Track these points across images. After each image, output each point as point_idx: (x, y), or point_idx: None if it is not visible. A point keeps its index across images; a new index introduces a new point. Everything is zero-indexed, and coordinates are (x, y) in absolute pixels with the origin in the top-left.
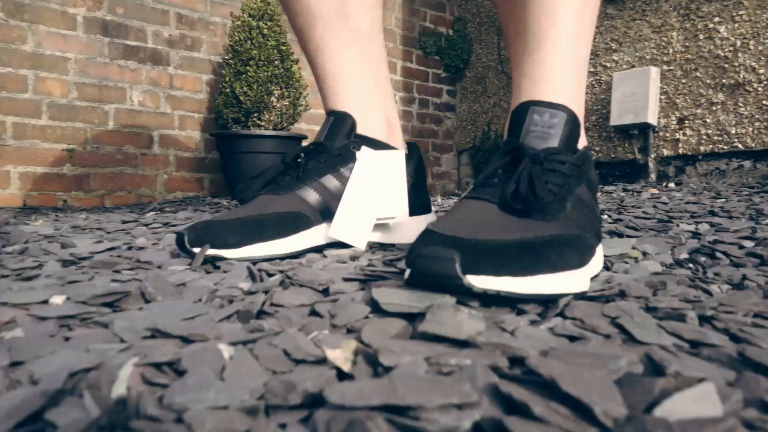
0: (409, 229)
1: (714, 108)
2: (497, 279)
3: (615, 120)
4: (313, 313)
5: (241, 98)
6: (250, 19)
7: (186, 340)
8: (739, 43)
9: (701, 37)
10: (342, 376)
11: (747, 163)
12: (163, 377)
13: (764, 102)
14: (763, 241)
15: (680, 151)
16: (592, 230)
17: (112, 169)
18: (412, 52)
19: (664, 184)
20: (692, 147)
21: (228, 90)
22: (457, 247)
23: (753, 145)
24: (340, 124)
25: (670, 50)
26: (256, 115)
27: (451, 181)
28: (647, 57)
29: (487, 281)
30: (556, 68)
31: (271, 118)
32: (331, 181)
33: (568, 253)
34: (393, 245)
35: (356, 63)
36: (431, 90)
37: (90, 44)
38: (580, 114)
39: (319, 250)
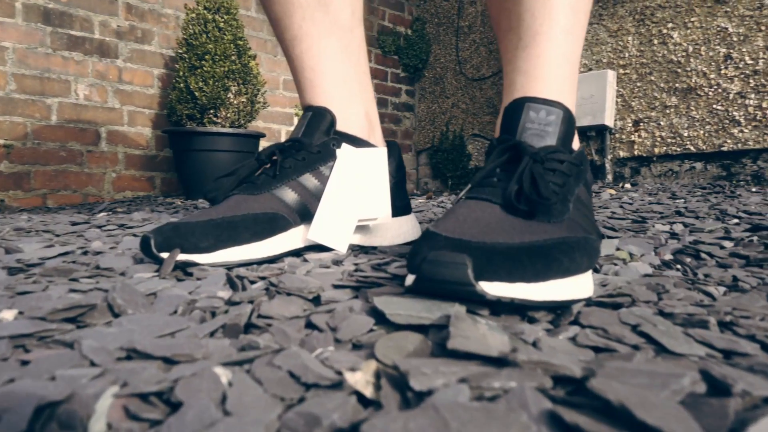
0: (390, 230)
1: (668, 111)
2: (511, 286)
3: None
4: (310, 325)
5: (197, 94)
6: (205, 11)
7: (169, 361)
8: (691, 48)
9: (656, 42)
10: (364, 402)
11: (698, 165)
12: (152, 411)
13: (714, 106)
14: (740, 241)
15: (636, 152)
16: (595, 231)
17: (55, 167)
18: (371, 50)
19: (620, 185)
20: (647, 149)
21: (182, 85)
22: (468, 251)
23: (704, 147)
24: (318, 119)
25: (626, 54)
26: (212, 111)
27: (410, 181)
28: (604, 60)
29: (500, 288)
30: (551, 64)
31: (228, 115)
32: (309, 180)
33: (579, 256)
34: (374, 248)
35: (336, 55)
36: (390, 89)
37: (30, 33)
38: (574, 111)
39: (296, 253)
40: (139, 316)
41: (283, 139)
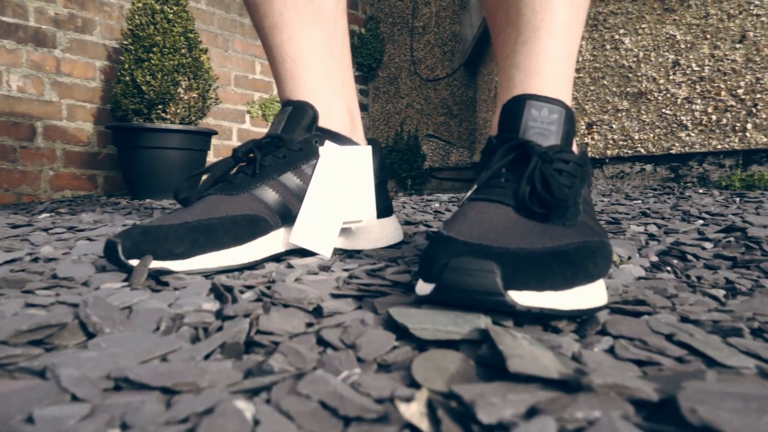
0: (373, 233)
1: (619, 114)
2: (539, 294)
3: None
4: (323, 342)
5: (144, 88)
6: (153, 2)
7: (169, 392)
8: (641, 54)
9: (608, 47)
10: None
11: (648, 167)
12: None
13: (663, 110)
14: (718, 242)
15: (589, 154)
16: (604, 234)
17: None
18: None
19: None
20: (600, 151)
21: (128, 78)
22: (494, 257)
23: (654, 150)
24: (299, 114)
25: (580, 58)
26: (160, 107)
27: None
28: None
29: (531, 298)
30: (552, 60)
31: (178, 110)
32: (291, 180)
33: (600, 261)
34: (359, 252)
35: (319, 46)
36: None
37: None
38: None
39: (277, 258)
40: (119, 335)
41: (234, 138)
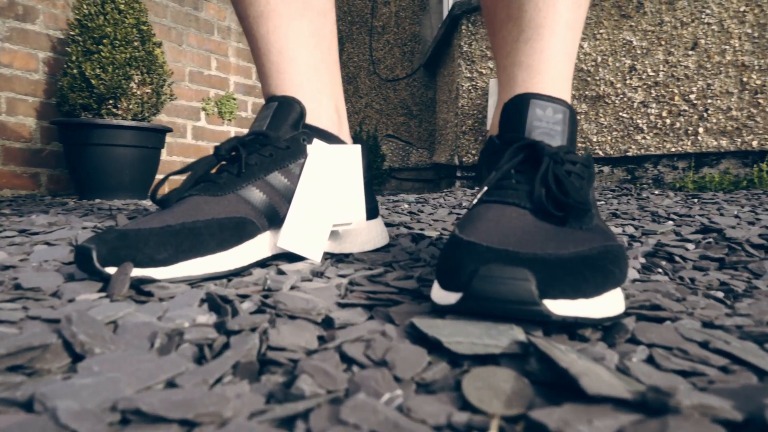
0: (361, 235)
1: (578, 117)
2: (573, 303)
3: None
4: (347, 359)
5: (93, 82)
6: None
7: (189, 424)
8: (599, 59)
9: None
10: None
11: (606, 169)
12: None
13: (620, 114)
14: (699, 243)
15: None
16: (615, 237)
17: None
18: None
19: None
20: None
21: (75, 71)
22: (524, 264)
23: (611, 152)
24: (286, 110)
25: None
26: (111, 102)
27: None
28: None
29: (565, 306)
30: (554, 59)
31: (130, 106)
32: (278, 179)
33: (624, 266)
34: (347, 255)
35: (306, 38)
36: None
37: None
38: None
39: (262, 263)
40: (112, 355)
41: (188, 136)
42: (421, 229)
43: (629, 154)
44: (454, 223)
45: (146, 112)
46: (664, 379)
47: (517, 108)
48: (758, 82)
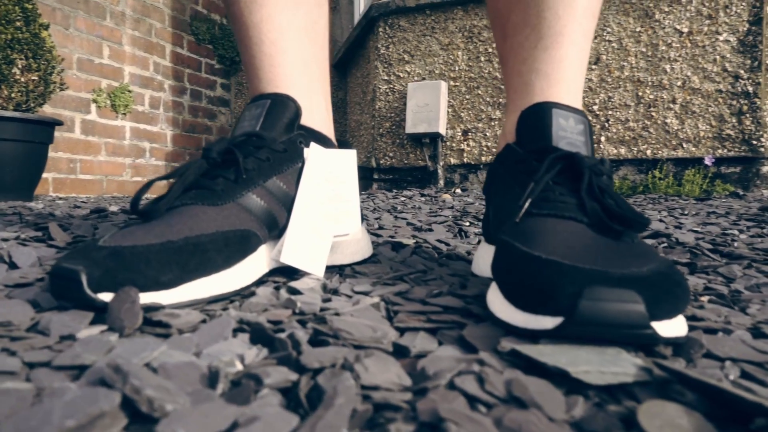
0: (350, 246)
1: (493, 123)
2: (672, 323)
3: (410, 128)
4: (467, 395)
5: None
6: None
7: None
8: None
9: (482, 59)
10: None
11: None
12: None
13: None
14: (656, 247)
15: (465, 160)
16: None
17: None
18: (183, 36)
19: (452, 190)
20: (475, 157)
21: None
22: (629, 285)
23: None
24: (280, 109)
25: (457, 68)
26: None
27: None
28: (437, 71)
29: (668, 327)
30: (572, 68)
31: (13, 95)
32: (276, 185)
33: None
34: (341, 268)
35: (301, 31)
36: (204, 81)
37: None
38: None
39: (260, 280)
40: (185, 411)
41: (77, 130)
42: (391, 236)
43: None
44: (506, 236)
45: (32, 102)
46: None
47: (539, 117)
48: (651, 96)
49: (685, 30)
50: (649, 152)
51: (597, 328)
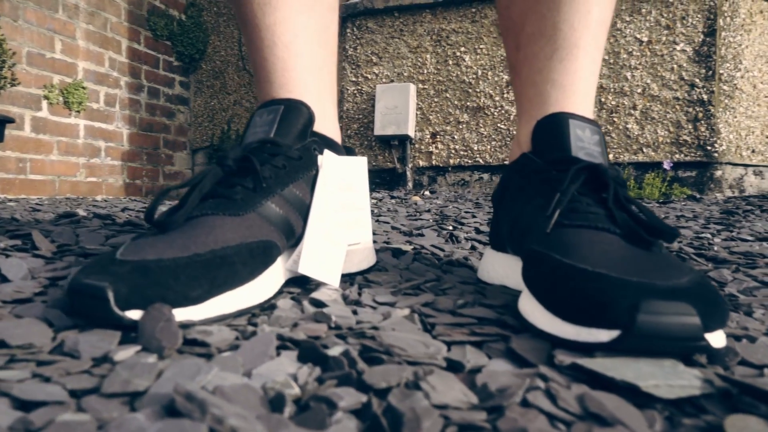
0: (357, 254)
1: (461, 126)
2: (720, 333)
3: (378, 130)
4: (544, 413)
5: None
6: None
7: None
8: (480, 72)
9: (450, 62)
10: None
11: (486, 176)
12: None
13: (499, 125)
14: None
15: (433, 162)
16: None
17: None
18: (140, 32)
19: (421, 192)
20: (443, 159)
21: None
22: (683, 298)
23: (491, 160)
24: (294, 115)
25: (425, 70)
26: None
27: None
28: (405, 74)
29: (718, 337)
30: (586, 79)
31: None
32: (292, 193)
33: None
34: (352, 276)
35: (314, 35)
36: (162, 79)
37: None
38: None
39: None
40: None
41: (27, 128)
42: (386, 242)
43: (507, 162)
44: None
45: None
46: None
47: (557, 127)
48: (613, 102)
49: (645, 39)
50: (611, 156)
51: (655, 341)
